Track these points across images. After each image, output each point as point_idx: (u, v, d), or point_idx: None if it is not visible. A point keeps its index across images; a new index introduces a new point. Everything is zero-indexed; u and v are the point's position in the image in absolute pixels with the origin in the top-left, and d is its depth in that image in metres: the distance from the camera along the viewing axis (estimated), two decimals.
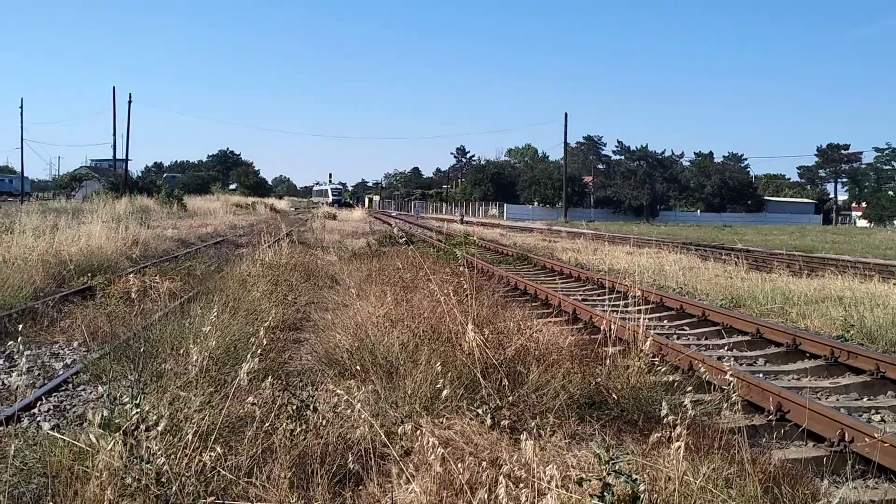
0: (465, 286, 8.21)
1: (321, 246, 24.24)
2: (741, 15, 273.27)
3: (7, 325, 9.99)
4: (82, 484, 4.24)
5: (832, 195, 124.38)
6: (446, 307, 7.70)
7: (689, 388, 6.22)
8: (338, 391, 5.23)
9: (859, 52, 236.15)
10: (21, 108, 77.99)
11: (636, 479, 3.86)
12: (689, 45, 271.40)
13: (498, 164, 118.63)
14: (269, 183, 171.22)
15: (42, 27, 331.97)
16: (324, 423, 5.14)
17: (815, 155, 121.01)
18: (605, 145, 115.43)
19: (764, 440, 6.39)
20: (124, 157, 69.96)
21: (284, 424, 4.95)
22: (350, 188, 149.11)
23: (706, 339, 11.23)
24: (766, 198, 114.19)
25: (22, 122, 77.53)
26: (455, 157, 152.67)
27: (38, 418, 6.57)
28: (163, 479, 4.06)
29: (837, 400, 8.05)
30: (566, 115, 79.02)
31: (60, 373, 8.18)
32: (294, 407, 5.13)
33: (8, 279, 11.83)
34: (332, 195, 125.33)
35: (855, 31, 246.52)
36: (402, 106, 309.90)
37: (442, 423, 5.29)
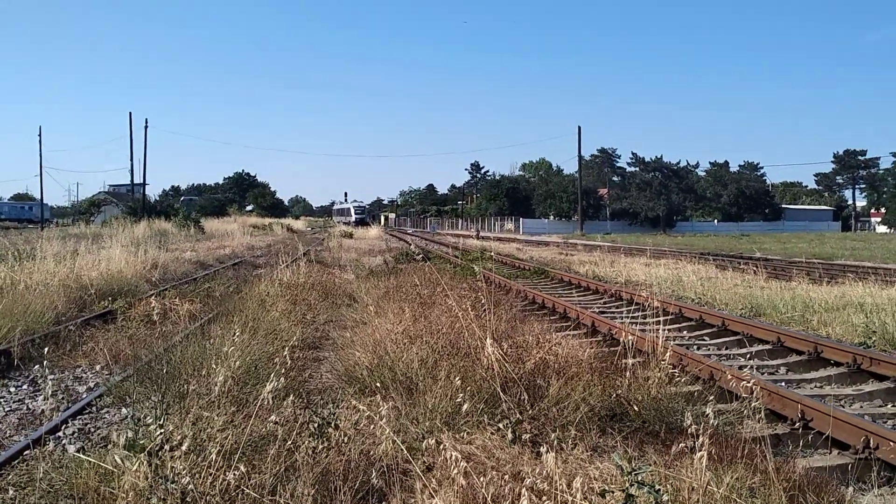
0: (482, 301, 8.24)
1: (338, 265, 24.33)
2: (755, 22, 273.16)
3: (31, 350, 10.10)
4: None
5: (850, 201, 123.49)
6: (464, 322, 7.72)
7: (711, 398, 6.19)
8: (360, 406, 5.26)
9: (875, 58, 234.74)
10: (39, 135, 79.49)
11: (659, 490, 3.86)
12: (702, 55, 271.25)
13: (513, 179, 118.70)
14: (286, 203, 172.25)
15: (58, 55, 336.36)
16: (345, 440, 5.16)
17: (833, 161, 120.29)
18: (619, 157, 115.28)
19: (788, 449, 6.36)
20: (142, 181, 70.85)
21: (307, 442, 4.98)
22: (366, 206, 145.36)
23: (726, 348, 11.17)
24: (783, 206, 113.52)
25: (41, 150, 78.95)
26: (469, 172, 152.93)
27: (64, 441, 6.63)
28: (188, 499, 4.09)
29: (861, 407, 7.99)
30: (579, 128, 79.33)
31: (84, 396, 8.26)
32: (316, 424, 5.16)
33: (31, 305, 11.96)
34: (355, 213, 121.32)
35: (871, 35, 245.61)
36: (416, 123, 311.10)
37: (463, 437, 5.30)
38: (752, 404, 5.84)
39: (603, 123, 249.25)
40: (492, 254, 30.54)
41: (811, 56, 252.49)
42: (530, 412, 5.88)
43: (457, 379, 6.06)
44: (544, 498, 3.86)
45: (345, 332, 10.36)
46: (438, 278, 11.87)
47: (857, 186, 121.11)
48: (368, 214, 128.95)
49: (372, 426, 5.24)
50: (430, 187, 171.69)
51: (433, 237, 63.34)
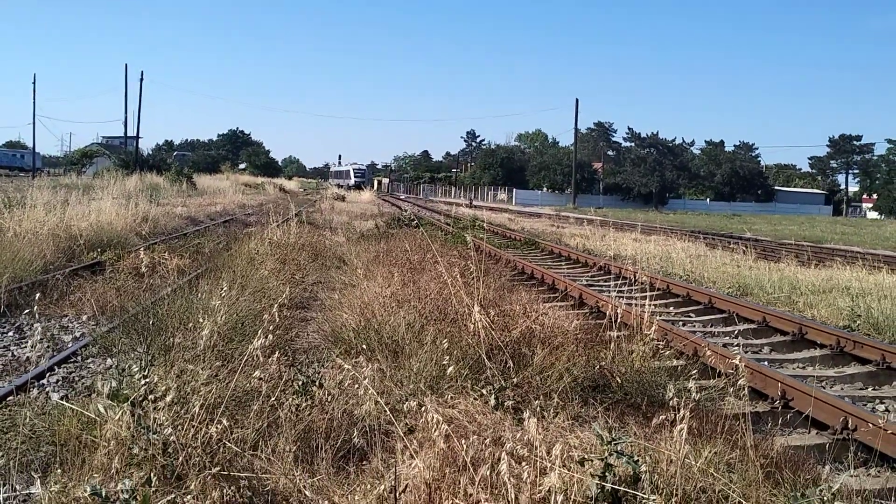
0: (472, 269, 8.24)
1: (329, 227, 24.29)
2: (754, 3, 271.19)
3: (17, 297, 10.08)
4: (90, 452, 4.30)
5: (843, 186, 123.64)
6: (453, 289, 7.74)
7: (694, 374, 6.24)
8: (345, 366, 5.28)
9: (874, 43, 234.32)
10: (34, 83, 78.09)
11: (637, 461, 3.89)
12: (702, 33, 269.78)
13: (508, 149, 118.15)
14: (279, 163, 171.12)
15: (54, 3, 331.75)
16: (329, 399, 5.19)
17: (827, 145, 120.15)
18: (615, 132, 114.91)
19: (767, 427, 6.42)
20: (135, 134, 70.16)
21: (290, 399, 5.00)
22: (366, 169, 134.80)
23: (712, 326, 11.24)
24: (776, 188, 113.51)
25: (34, 98, 77.46)
26: (465, 140, 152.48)
27: (48, 389, 6.64)
28: (169, 450, 4.11)
29: (842, 389, 8.07)
30: (577, 100, 78.70)
31: (70, 345, 8.26)
32: (300, 382, 5.18)
33: (19, 253, 11.90)
34: (355, 176, 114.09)
35: (870, 21, 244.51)
36: (413, 89, 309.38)
37: (446, 402, 5.33)
38: (735, 381, 5.88)
39: (601, 97, 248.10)
40: (483, 223, 30.52)
41: (810, 40, 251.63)
42: (514, 380, 5.91)
43: (443, 342, 6.09)
44: (524, 463, 3.88)
45: (333, 293, 10.37)
46: (429, 244, 11.87)
47: (850, 171, 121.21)
48: (368, 178, 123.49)
49: (356, 386, 5.26)
50: (425, 154, 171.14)
51: (426, 204, 63.24)
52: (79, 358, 7.71)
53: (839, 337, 9.37)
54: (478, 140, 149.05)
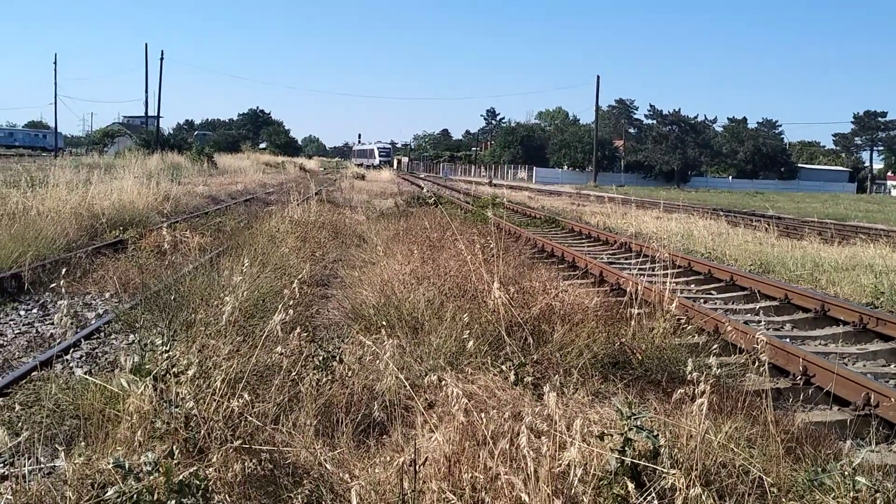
0: (491, 246, 8.23)
1: (349, 205, 24.31)
2: None
3: (41, 275, 10.18)
4: (113, 426, 4.35)
5: (867, 163, 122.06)
6: (473, 266, 7.73)
7: (716, 350, 6.20)
8: (366, 341, 5.30)
9: None
10: (55, 63, 78.69)
11: (657, 435, 3.88)
12: (724, 8, 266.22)
13: (528, 127, 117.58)
14: (299, 143, 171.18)
15: None
16: (349, 374, 5.21)
17: (852, 122, 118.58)
18: (636, 109, 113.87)
19: (788, 403, 6.39)
20: (156, 114, 70.49)
21: (311, 374, 5.03)
22: (391, 147, 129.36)
23: (733, 303, 11.17)
24: (799, 165, 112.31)
25: (56, 78, 78.29)
26: (485, 119, 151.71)
27: (72, 364, 6.72)
28: (191, 424, 4.14)
29: (864, 366, 8.01)
30: (598, 77, 78.02)
31: (93, 322, 8.34)
32: (321, 358, 5.21)
33: (42, 231, 12.02)
34: (380, 155, 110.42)
35: None
36: (433, 67, 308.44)
37: (466, 377, 5.34)
38: (757, 358, 5.85)
39: (622, 74, 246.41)
40: (503, 201, 30.45)
41: (834, 14, 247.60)
42: (534, 356, 5.91)
43: (463, 318, 6.10)
44: (543, 438, 3.89)
45: (353, 271, 10.40)
46: (448, 222, 11.85)
47: (875, 148, 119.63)
48: (392, 157, 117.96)
49: (377, 361, 5.29)
50: (445, 132, 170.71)
51: (445, 182, 63.11)
52: (102, 334, 7.79)
53: (862, 314, 9.29)
54: (498, 118, 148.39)
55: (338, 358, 5.28)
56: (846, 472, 3.78)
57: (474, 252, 7.98)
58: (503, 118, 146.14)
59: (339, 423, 4.63)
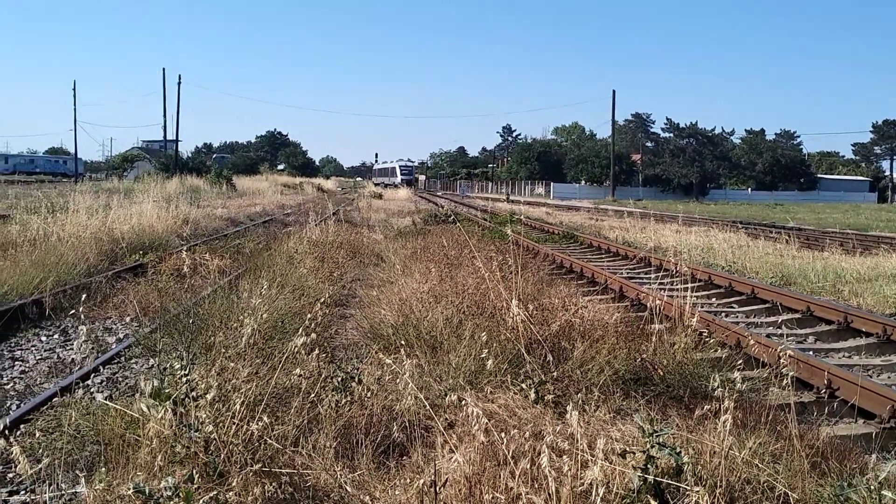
0: (509, 263, 8.20)
1: (367, 225, 24.40)
2: None
3: (62, 300, 10.25)
4: (134, 451, 4.35)
5: (888, 173, 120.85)
6: (491, 283, 7.71)
7: (740, 364, 6.13)
8: (387, 360, 5.29)
9: None
10: (74, 90, 79.99)
11: (680, 452, 3.84)
12: (740, 21, 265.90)
13: (544, 143, 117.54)
14: (317, 163, 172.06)
15: (94, 10, 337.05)
16: (368, 394, 5.19)
17: (871, 131, 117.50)
18: (653, 123, 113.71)
19: (812, 417, 6.31)
20: (174, 137, 71.25)
21: (330, 395, 5.02)
22: (414, 166, 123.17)
23: (755, 316, 11.07)
24: (819, 176, 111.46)
25: (75, 105, 79.67)
26: (501, 135, 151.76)
27: (92, 389, 6.74)
28: (211, 447, 4.14)
29: (889, 377, 7.90)
30: (614, 92, 78.45)
31: (113, 346, 8.38)
32: (339, 378, 5.20)
33: (63, 257, 12.13)
34: (401, 174, 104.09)
35: None
36: (449, 85, 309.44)
37: (486, 396, 5.31)
38: (780, 371, 5.78)
39: (638, 88, 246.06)
40: (521, 217, 30.41)
41: (851, 24, 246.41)
42: (554, 374, 5.86)
43: (482, 336, 6.07)
44: (565, 457, 3.85)
45: (371, 290, 10.40)
46: (466, 240, 11.85)
47: (895, 157, 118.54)
48: (414, 175, 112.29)
49: (396, 381, 5.27)
50: (461, 150, 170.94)
51: (462, 200, 63.16)
52: (122, 359, 7.82)
53: (885, 325, 9.17)
54: (514, 134, 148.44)
55: (356, 379, 5.27)
56: (872, 487, 3.71)
57: (492, 269, 7.95)
58: (519, 134, 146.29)
59: (358, 445, 4.61)
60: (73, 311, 7.95)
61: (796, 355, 7.46)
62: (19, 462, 3.73)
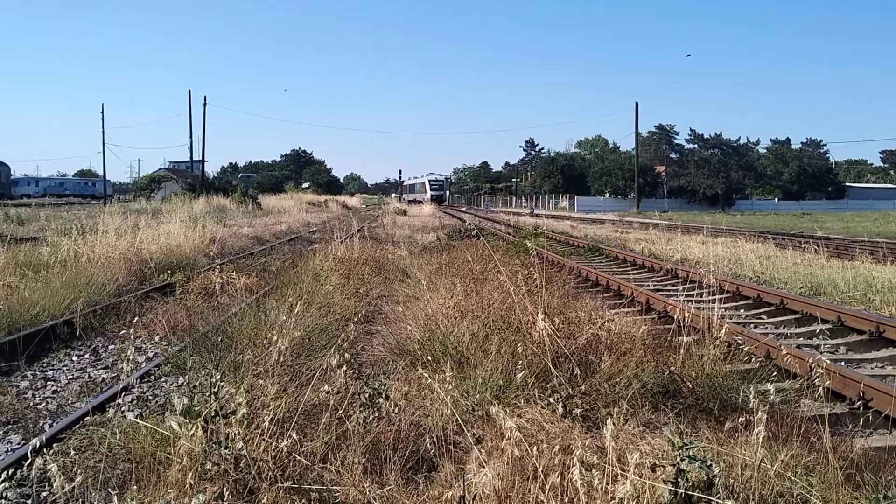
0: (535, 277, 8.19)
1: (392, 241, 24.44)
2: None
3: (92, 320, 10.37)
4: (164, 469, 4.39)
5: None
6: (516, 297, 7.69)
7: (775, 376, 6.07)
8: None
9: None
10: (102, 113, 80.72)
11: (710, 465, 3.80)
12: (763, 30, 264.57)
13: (568, 156, 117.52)
14: (341, 181, 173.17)
15: (119, 33, 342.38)
16: (396, 410, 5.20)
17: None
18: (677, 134, 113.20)
19: (846, 428, 6.22)
20: (201, 158, 71.98)
21: (358, 412, 5.03)
22: (444, 180, 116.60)
23: (784, 327, 10.95)
24: (847, 184, 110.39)
25: (103, 127, 79.99)
26: (524, 150, 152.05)
27: (123, 408, 6.80)
28: (241, 465, 4.17)
29: None
30: (637, 104, 77.86)
31: (143, 365, 8.45)
32: (367, 395, 5.21)
33: (93, 277, 12.27)
34: (431, 189, 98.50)
35: None
36: (471, 100, 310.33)
37: (513, 411, 5.30)
38: (810, 383, 5.72)
39: (661, 99, 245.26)
40: (545, 231, 30.37)
41: (876, 31, 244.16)
42: (581, 387, 5.84)
43: (508, 351, 6.06)
44: (595, 471, 3.83)
45: (397, 306, 10.41)
46: (491, 254, 11.85)
47: None
48: (445, 190, 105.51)
49: (421, 397, 5.27)
50: (485, 165, 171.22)
51: (486, 214, 63.21)
52: (152, 377, 7.89)
53: None
54: (537, 148, 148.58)
55: (384, 394, 5.28)
56: None
57: (517, 283, 7.95)
58: (542, 148, 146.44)
59: (387, 461, 4.61)
60: (105, 331, 8.04)
61: (829, 366, 7.37)
62: (55, 480, 3.77)
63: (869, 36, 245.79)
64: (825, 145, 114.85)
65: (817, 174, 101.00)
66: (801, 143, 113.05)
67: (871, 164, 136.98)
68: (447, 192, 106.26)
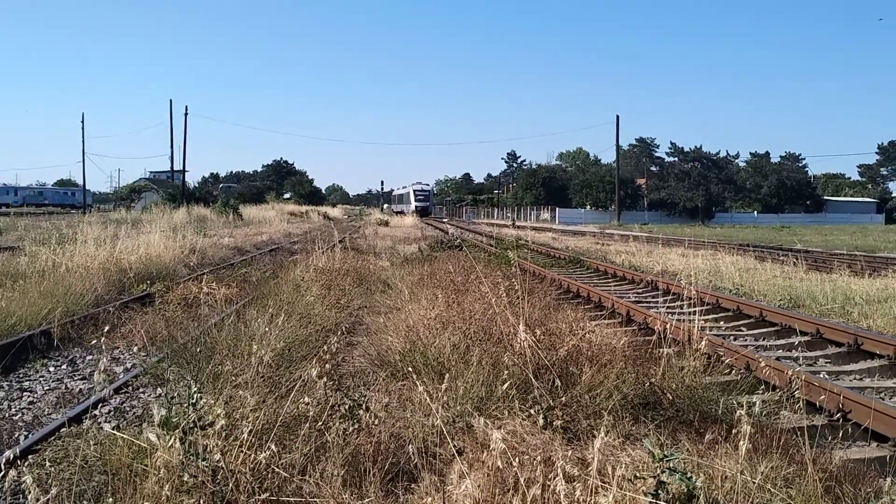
0: (516, 288, 8.19)
1: (373, 252, 24.38)
2: (795, 13, 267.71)
3: (70, 331, 10.26)
4: (141, 481, 4.33)
5: (895, 194, 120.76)
6: (498, 309, 7.69)
7: (760, 390, 6.08)
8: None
9: None
10: (82, 122, 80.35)
11: (691, 477, 3.80)
12: (743, 45, 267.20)
13: (549, 169, 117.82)
14: (323, 191, 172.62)
15: (100, 43, 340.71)
16: (376, 422, 5.17)
17: (877, 153, 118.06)
18: (657, 147, 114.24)
19: (825, 440, 6.25)
20: (181, 168, 71.48)
21: (337, 423, 4.99)
22: (430, 191, 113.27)
23: (764, 339, 11.01)
24: (825, 197, 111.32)
25: (83, 137, 79.76)
26: (506, 161, 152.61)
27: (100, 419, 6.73)
28: (219, 477, 4.12)
29: None
30: (618, 117, 78.25)
31: (121, 376, 8.37)
32: (347, 406, 5.17)
33: (71, 287, 12.15)
34: (416, 200, 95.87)
35: None
36: (453, 112, 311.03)
37: (494, 422, 5.28)
38: (790, 395, 5.74)
39: (642, 113, 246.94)
40: (527, 242, 30.42)
41: (855, 46, 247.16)
42: (562, 399, 5.83)
43: (489, 362, 6.05)
44: (576, 483, 3.82)
45: (378, 317, 10.38)
46: (473, 266, 11.84)
47: None
48: (432, 202, 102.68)
49: (402, 408, 5.25)
50: (467, 176, 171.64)
51: (468, 226, 63.27)
52: (130, 388, 7.81)
53: None
54: (519, 161, 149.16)
55: (364, 406, 5.24)
56: None
57: (499, 295, 7.94)
58: (524, 160, 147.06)
59: (366, 473, 4.58)
60: (82, 342, 7.95)
61: (808, 378, 7.42)
62: (30, 492, 3.71)
63: (847, 51, 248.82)
64: (804, 159, 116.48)
65: (796, 187, 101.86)
66: (780, 156, 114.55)
67: (849, 178, 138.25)
68: (432, 203, 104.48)
